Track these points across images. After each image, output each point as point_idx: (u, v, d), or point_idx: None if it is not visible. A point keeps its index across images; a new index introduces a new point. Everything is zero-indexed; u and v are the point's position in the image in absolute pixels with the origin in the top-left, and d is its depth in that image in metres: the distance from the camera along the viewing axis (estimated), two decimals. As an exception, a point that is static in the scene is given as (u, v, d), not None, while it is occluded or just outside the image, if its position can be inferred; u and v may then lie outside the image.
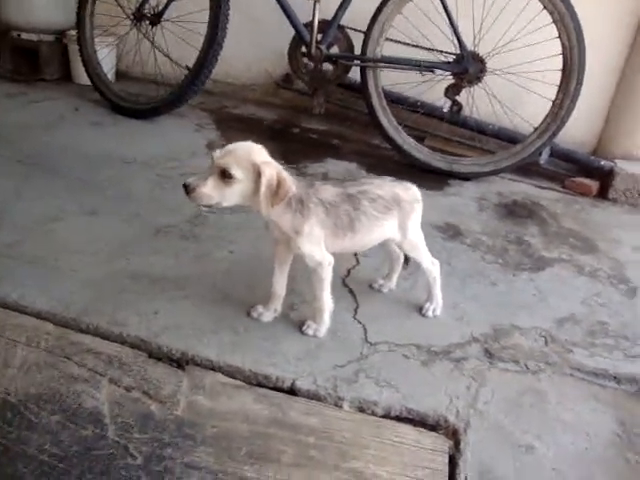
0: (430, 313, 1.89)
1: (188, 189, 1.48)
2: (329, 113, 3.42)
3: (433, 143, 3.23)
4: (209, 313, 1.77)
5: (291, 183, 1.52)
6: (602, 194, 3.08)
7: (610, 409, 1.62)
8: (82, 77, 3.61)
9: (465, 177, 3.02)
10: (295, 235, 1.59)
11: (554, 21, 2.69)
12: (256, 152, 1.51)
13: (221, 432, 1.38)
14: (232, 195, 1.51)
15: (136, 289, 1.84)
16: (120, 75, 3.85)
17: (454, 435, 1.48)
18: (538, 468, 1.41)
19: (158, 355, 1.60)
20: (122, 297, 1.79)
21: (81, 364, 1.51)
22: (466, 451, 1.43)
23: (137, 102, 3.25)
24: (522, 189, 3.07)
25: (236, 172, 1.47)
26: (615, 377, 1.74)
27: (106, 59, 3.46)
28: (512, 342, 1.83)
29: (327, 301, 1.70)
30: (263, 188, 1.47)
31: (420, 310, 1.90)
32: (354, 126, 3.57)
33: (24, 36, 3.58)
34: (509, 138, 3.12)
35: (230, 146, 1.51)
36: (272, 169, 1.49)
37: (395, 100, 3.21)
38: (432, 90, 3.03)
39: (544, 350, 1.82)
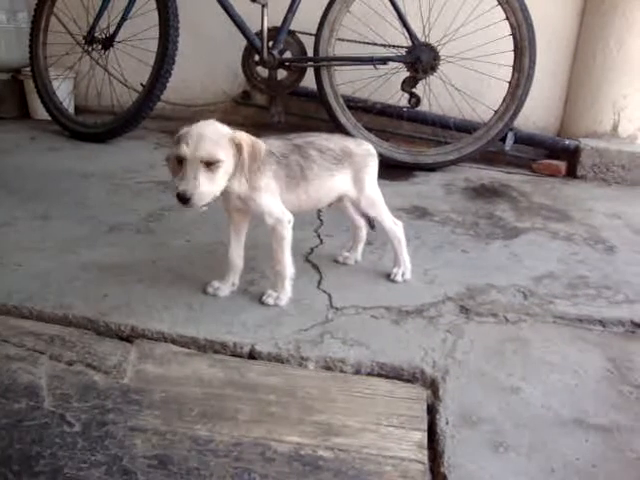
0: (399, 277, 1.78)
1: (185, 196, 1.35)
2: (290, 124, 3.39)
3: (396, 143, 3.19)
4: (163, 292, 1.65)
5: (261, 142, 1.45)
6: (571, 173, 3.04)
7: (598, 349, 1.51)
8: (39, 112, 3.58)
9: (431, 167, 2.97)
10: (252, 192, 1.50)
11: (499, 3, 2.72)
12: (220, 127, 1.43)
13: (171, 396, 1.24)
14: (222, 179, 1.41)
15: (85, 277, 1.72)
16: (79, 110, 3.81)
17: (432, 385, 1.35)
18: (526, 406, 1.28)
19: (106, 333, 1.47)
20: (69, 285, 1.67)
21: (19, 345, 1.38)
22: (445, 398, 1.30)
23: (95, 126, 3.20)
24: (490, 175, 3.03)
25: (222, 156, 1.38)
26: (601, 321, 1.63)
27: (62, 88, 3.43)
28: (489, 299, 1.73)
29: (288, 265, 1.60)
30: (246, 157, 1.40)
31: (388, 277, 1.80)
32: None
33: (-22, 76, 3.56)
34: (472, 128, 3.09)
35: (193, 134, 1.37)
36: (245, 136, 1.42)
37: (358, 106, 3.20)
38: (392, 90, 3.03)
39: (524, 303, 1.71)
